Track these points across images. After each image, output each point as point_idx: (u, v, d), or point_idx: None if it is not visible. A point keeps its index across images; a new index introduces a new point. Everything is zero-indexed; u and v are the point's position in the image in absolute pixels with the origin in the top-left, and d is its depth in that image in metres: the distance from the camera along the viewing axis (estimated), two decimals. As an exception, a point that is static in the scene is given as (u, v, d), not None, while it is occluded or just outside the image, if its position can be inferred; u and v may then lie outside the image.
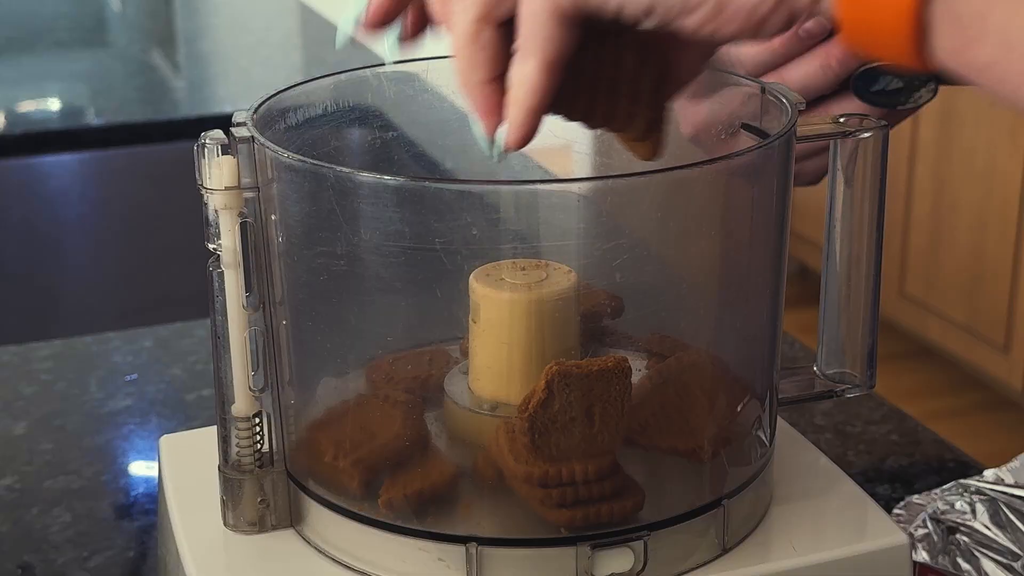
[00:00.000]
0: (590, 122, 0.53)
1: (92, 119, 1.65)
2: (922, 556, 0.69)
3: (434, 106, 0.66)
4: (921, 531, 0.70)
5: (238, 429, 0.58)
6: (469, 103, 0.49)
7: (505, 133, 0.48)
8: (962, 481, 0.73)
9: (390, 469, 0.56)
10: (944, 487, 0.73)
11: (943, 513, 0.71)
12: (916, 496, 0.73)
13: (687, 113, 0.65)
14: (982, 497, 0.71)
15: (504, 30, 0.48)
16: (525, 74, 0.47)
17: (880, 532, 0.59)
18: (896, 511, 0.72)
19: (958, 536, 0.70)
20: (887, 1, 0.43)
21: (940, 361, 2.93)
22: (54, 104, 1.75)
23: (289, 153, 0.54)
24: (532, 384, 0.53)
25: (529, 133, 0.48)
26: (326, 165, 0.54)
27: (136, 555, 0.78)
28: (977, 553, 0.69)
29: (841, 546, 0.58)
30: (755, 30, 0.47)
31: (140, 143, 1.61)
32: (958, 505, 0.71)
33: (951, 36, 0.42)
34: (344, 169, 0.53)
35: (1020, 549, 0.69)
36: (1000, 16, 0.41)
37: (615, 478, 0.54)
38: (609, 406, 0.53)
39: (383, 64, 0.63)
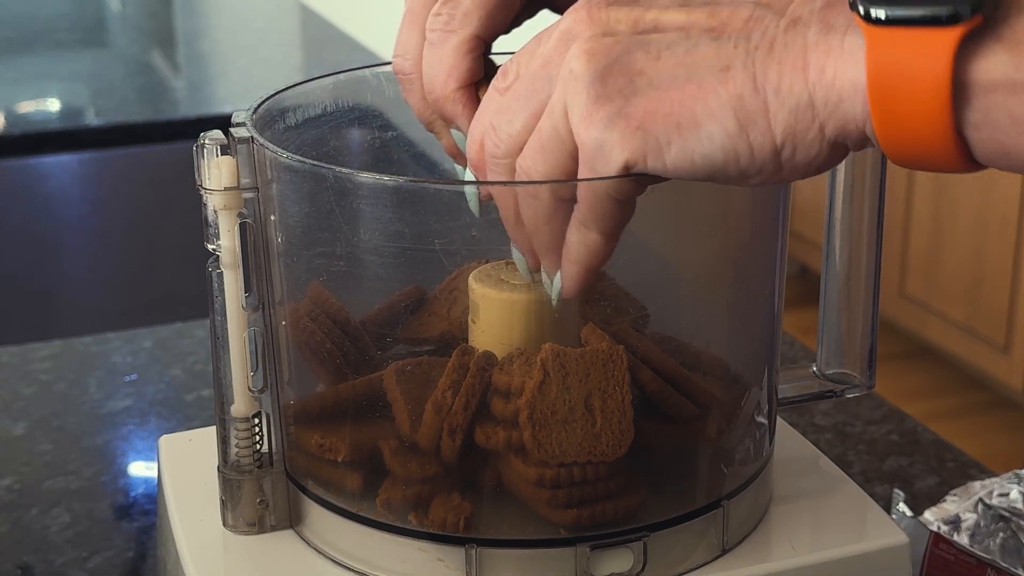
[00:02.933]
0: None
1: (92, 119, 1.65)
2: (963, 539, 0.69)
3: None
4: (969, 515, 0.70)
5: (237, 429, 0.58)
6: (528, 245, 0.52)
7: (562, 282, 0.51)
8: (1020, 472, 0.73)
9: (389, 469, 0.56)
10: (1004, 475, 0.73)
11: (997, 500, 0.71)
12: (978, 482, 0.73)
13: None
14: None
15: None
16: (589, 241, 0.50)
17: (880, 532, 0.59)
18: (952, 494, 0.72)
19: (1005, 523, 0.70)
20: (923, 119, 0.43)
21: (940, 361, 2.93)
22: (54, 104, 1.75)
23: (288, 153, 0.54)
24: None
25: (589, 287, 0.51)
26: (325, 165, 0.54)
27: (135, 555, 0.78)
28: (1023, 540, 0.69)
29: (841, 546, 0.58)
30: (813, 174, 0.48)
31: (140, 143, 1.61)
32: (1012, 494, 0.72)
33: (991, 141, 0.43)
34: (343, 169, 0.53)
35: None
36: None
37: (619, 476, 0.54)
38: (608, 398, 0.53)
39: (383, 64, 0.63)
